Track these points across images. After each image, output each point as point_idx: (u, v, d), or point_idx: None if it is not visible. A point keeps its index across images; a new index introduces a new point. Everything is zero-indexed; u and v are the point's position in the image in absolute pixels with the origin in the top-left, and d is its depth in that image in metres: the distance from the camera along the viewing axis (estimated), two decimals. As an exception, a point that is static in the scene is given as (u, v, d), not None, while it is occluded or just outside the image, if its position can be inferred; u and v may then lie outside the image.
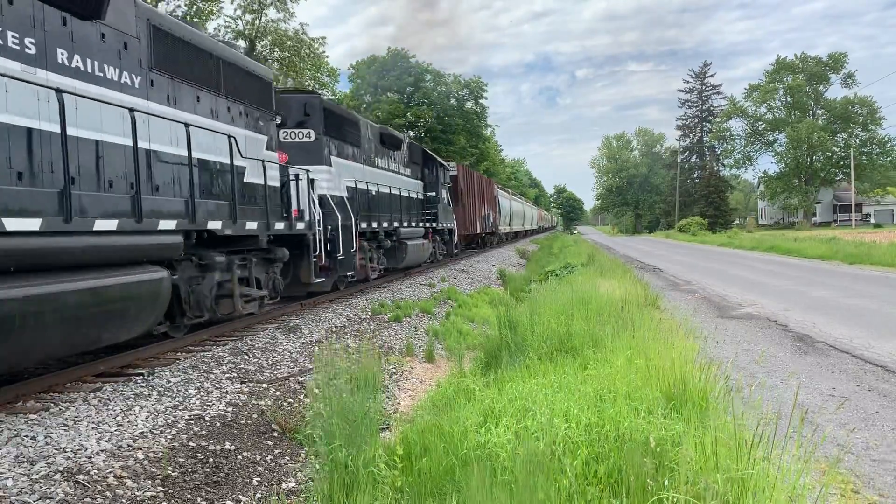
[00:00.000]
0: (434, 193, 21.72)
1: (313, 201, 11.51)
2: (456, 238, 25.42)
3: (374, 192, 15.33)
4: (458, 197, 26.64)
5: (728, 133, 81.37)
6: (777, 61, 76.26)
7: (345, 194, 13.35)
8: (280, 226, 9.88)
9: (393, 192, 17.02)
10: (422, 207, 20.59)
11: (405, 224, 17.59)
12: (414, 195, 19.67)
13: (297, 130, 12.36)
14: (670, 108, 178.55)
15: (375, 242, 15.67)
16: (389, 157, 17.41)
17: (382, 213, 15.85)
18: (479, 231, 31.67)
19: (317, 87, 34.83)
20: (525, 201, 70.21)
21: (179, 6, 27.96)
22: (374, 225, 15.08)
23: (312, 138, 12.41)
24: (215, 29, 31.11)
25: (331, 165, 12.84)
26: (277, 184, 10.26)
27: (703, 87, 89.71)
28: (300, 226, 10.64)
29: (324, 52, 34.88)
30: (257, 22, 32.08)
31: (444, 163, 24.28)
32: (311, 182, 11.42)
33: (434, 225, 21.34)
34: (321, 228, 11.62)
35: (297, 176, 10.88)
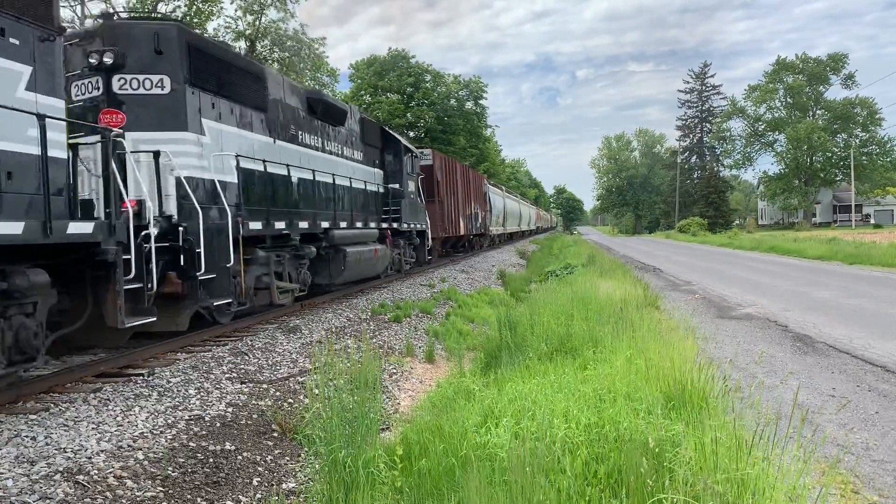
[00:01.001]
0: (398, 185, 16.83)
1: (160, 187, 8.07)
2: (430, 242, 20.17)
3: (293, 180, 11.27)
4: (434, 191, 21.84)
5: (728, 133, 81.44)
6: (777, 61, 76.30)
7: (232, 178, 9.43)
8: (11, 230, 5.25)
9: (327, 180, 12.60)
10: (380, 203, 16.06)
11: (345, 224, 13.17)
12: (368, 186, 15.19)
13: (141, 77, 8.25)
14: (671, 109, 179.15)
15: (291, 251, 11.15)
16: (326, 133, 13.05)
17: (306, 208, 11.63)
18: (463, 232, 27.04)
19: (317, 87, 34.84)
20: (521, 199, 65.53)
21: (179, 6, 27.98)
22: (282, 225, 10.53)
23: (167, 89, 8.34)
24: (215, 30, 31.15)
25: (201, 133, 8.82)
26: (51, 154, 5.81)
27: (703, 88, 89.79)
28: (78, 229, 5.97)
29: (323, 52, 34.90)
30: (257, 23, 32.09)
31: (414, 148, 19.24)
32: (156, 156, 8.02)
33: (397, 225, 16.65)
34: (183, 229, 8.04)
35: (107, 141, 6.90)
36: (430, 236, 20.06)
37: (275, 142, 10.88)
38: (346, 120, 14.15)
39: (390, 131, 17.77)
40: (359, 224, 14.11)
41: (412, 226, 18.22)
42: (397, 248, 17.20)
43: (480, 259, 28.21)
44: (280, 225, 10.51)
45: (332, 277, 12.52)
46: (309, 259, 11.74)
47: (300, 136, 11.89)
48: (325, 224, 12.18)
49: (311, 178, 11.96)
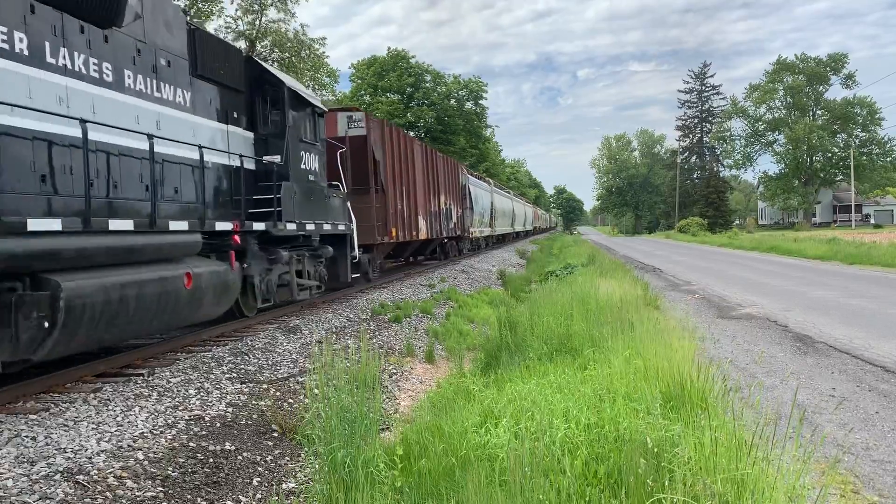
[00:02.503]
0: (280, 159, 9.98)
1: None
2: (357, 251, 13.07)
3: None
4: (369, 176, 15.18)
5: (728, 133, 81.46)
6: (777, 61, 76.35)
7: None
8: None
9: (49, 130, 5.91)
10: (237, 187, 9.31)
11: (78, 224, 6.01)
12: (209, 157, 8.52)
13: None
14: (672, 109, 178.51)
15: None
16: (66, 40, 6.22)
17: None
18: (425, 235, 19.89)
19: (317, 87, 34.81)
20: (515, 196, 57.51)
21: (179, 6, 27.94)
22: None
23: None
24: (216, 30, 31.14)
25: None
26: None
27: (703, 88, 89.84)
28: None
29: (324, 52, 34.89)
30: (258, 23, 32.09)
31: (316, 100, 11.88)
32: None
33: (268, 226, 9.48)
34: None
35: None
36: (356, 244, 13.08)
37: None
38: (125, 7, 6.92)
39: (267, 66, 10.58)
40: (175, 224, 7.37)
41: (312, 227, 10.96)
42: (267, 264, 9.86)
43: (481, 259, 28.12)
44: None
45: (21, 348, 5.43)
46: None
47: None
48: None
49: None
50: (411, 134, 45.98)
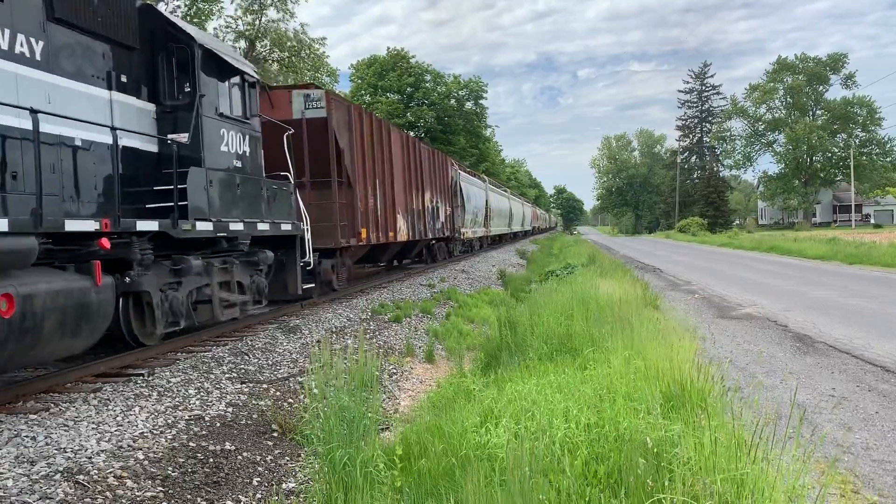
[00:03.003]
0: (187, 138, 7.70)
1: None
2: (311, 256, 10.76)
3: None
4: (330, 165, 12.53)
5: (728, 133, 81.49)
6: (777, 61, 76.39)
7: None
8: None
9: None
10: (121, 170, 6.87)
11: None
12: (51, 128, 5.99)
13: None
14: (672, 109, 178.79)
15: None
16: None
17: None
18: (406, 237, 17.42)
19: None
20: (513, 195, 54.73)
21: (179, 6, 27.97)
22: None
23: None
24: (215, 29, 31.14)
25: None
26: None
27: (703, 88, 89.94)
28: None
29: (324, 52, 34.90)
30: (257, 22, 32.09)
31: (246, 66, 9.53)
32: None
33: (165, 226, 7.14)
34: None
35: None
36: (310, 247, 10.68)
37: None
38: None
39: (172, 17, 8.56)
40: None
41: (240, 227, 8.66)
42: (177, 276, 7.76)
43: (480, 259, 28.11)
44: None
45: None
46: None
47: None
48: None
49: None
50: (411, 134, 44.67)
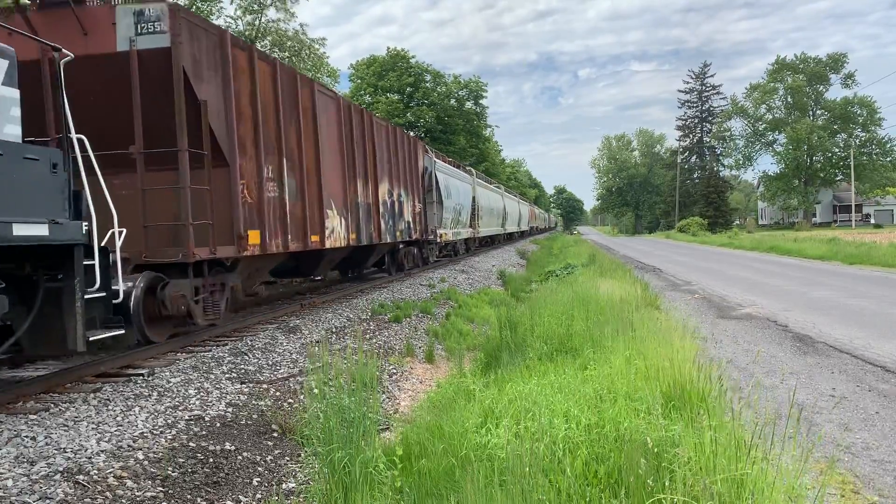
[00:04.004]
0: None
1: None
2: (116, 281, 6.14)
3: None
4: (178, 125, 7.87)
5: (728, 133, 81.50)
6: (777, 61, 76.42)
7: None
8: None
9: None
10: None
11: None
12: None
13: None
14: (673, 108, 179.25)
15: None
16: None
17: None
18: (350, 241, 12.94)
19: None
20: (508, 192, 50.61)
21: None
22: None
23: None
24: (215, 29, 31.08)
25: None
26: None
27: (703, 88, 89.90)
28: None
29: (324, 52, 34.90)
30: (257, 22, 32.09)
31: None
32: None
33: None
34: None
35: None
36: (119, 265, 6.25)
37: None
38: None
39: None
40: None
41: None
42: None
43: (480, 259, 28.06)
44: None
45: None
46: None
47: None
48: None
49: None
50: (411, 133, 43.62)
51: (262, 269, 10.80)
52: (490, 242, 38.60)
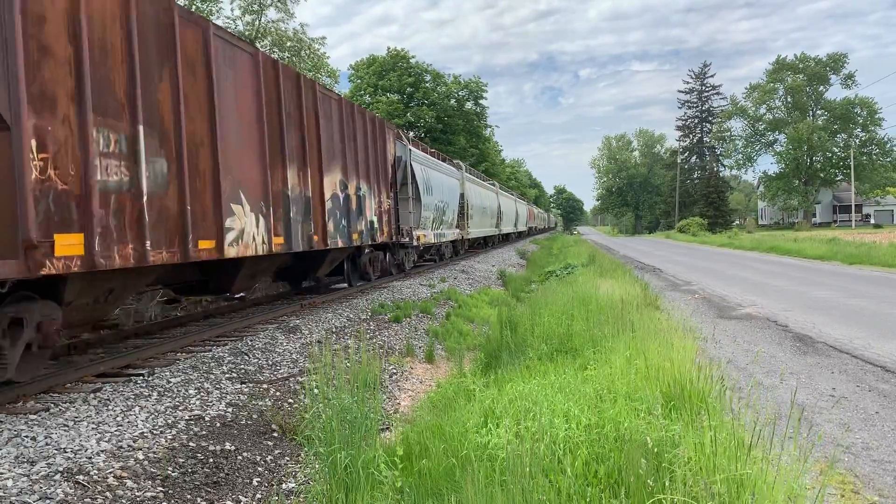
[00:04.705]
0: None
1: None
2: None
3: None
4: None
5: (728, 133, 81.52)
6: (777, 61, 76.41)
7: None
8: None
9: None
10: None
11: None
12: None
13: None
14: (674, 108, 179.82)
15: None
16: None
17: None
18: (274, 248, 9.40)
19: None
20: (504, 189, 47.75)
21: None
22: None
23: None
24: (215, 29, 31.07)
25: None
26: None
27: (703, 88, 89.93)
28: None
29: (324, 52, 34.90)
30: (257, 22, 32.10)
31: None
32: None
33: None
34: None
35: None
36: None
37: None
38: None
39: None
40: None
41: None
42: None
43: (480, 260, 28.04)
44: None
45: None
46: None
47: None
48: None
49: None
50: (411, 134, 41.05)
51: (126, 287, 7.37)
52: (484, 244, 36.14)
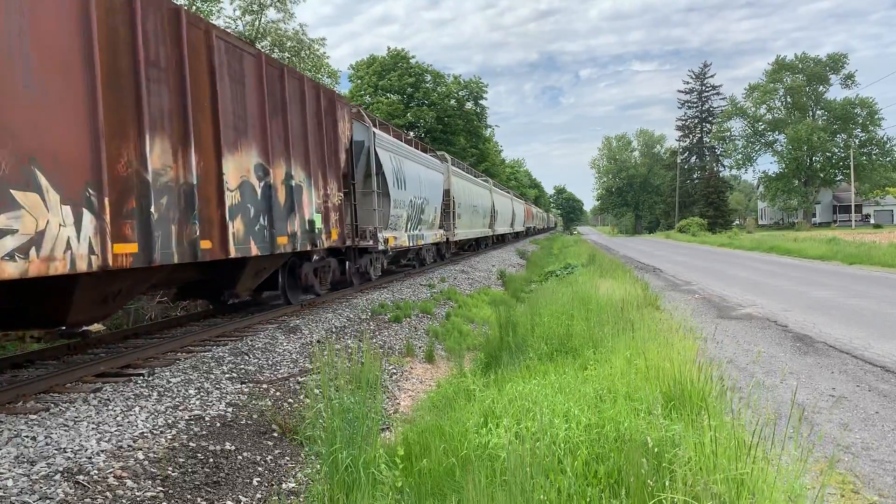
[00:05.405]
0: None
1: None
2: None
3: None
4: None
5: (728, 133, 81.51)
6: (776, 61, 76.39)
7: None
8: None
9: None
10: None
11: None
12: None
13: None
14: (673, 108, 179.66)
15: None
16: None
17: None
18: (106, 257, 5.89)
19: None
20: (498, 187, 44.12)
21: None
22: None
23: None
24: (215, 29, 31.04)
25: None
26: None
27: (703, 88, 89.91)
28: None
29: (324, 52, 34.89)
30: (257, 23, 32.09)
31: None
32: None
33: None
34: None
35: None
36: None
37: None
38: None
39: None
40: None
41: None
42: None
43: (480, 259, 28.06)
44: None
45: None
46: None
47: None
48: None
49: None
50: (411, 134, 40.20)
51: None
52: (476, 246, 32.44)
